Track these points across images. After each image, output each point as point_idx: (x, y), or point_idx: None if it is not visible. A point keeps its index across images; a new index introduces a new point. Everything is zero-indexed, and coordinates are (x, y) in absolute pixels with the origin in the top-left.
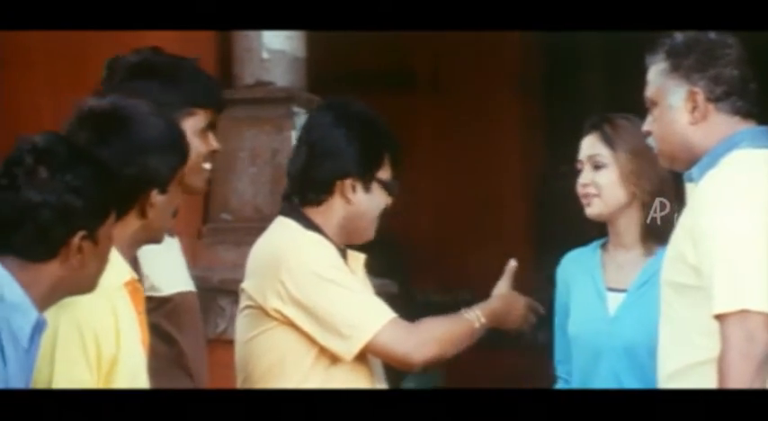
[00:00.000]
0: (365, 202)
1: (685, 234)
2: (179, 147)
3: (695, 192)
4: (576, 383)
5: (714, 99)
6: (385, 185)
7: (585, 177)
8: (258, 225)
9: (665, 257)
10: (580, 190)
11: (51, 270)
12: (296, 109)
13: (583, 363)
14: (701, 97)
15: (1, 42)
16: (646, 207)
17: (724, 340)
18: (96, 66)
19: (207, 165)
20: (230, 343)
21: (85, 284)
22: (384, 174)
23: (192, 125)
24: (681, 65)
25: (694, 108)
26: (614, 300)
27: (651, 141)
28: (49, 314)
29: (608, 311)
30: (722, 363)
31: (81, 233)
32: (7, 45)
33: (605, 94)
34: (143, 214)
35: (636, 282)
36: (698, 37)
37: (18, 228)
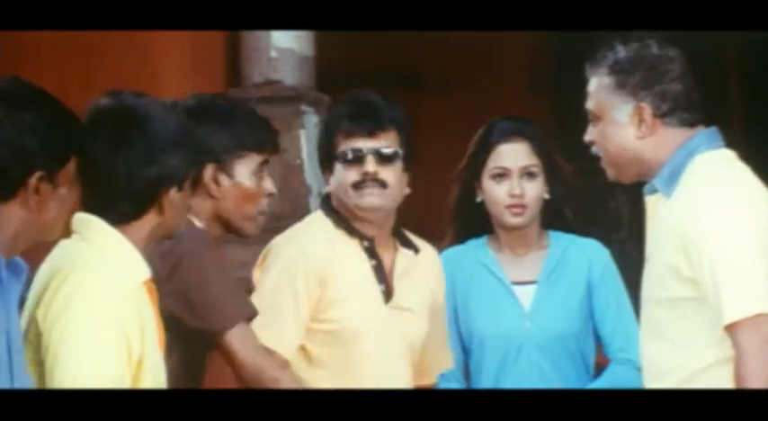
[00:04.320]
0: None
1: (673, 246)
2: (195, 144)
3: (671, 203)
4: (488, 379)
5: (660, 114)
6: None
7: (519, 187)
8: (267, 224)
9: (647, 276)
10: (509, 200)
11: (12, 212)
12: (304, 107)
13: (497, 360)
14: (647, 113)
15: (11, 42)
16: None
17: (739, 349)
18: (106, 65)
19: (263, 210)
20: None
21: (48, 230)
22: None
23: (244, 167)
24: (627, 82)
25: (641, 122)
26: (524, 294)
27: (595, 151)
28: (79, 312)
29: (521, 305)
30: (740, 371)
31: (38, 174)
32: (18, 45)
33: None
34: (161, 212)
35: (543, 272)
36: (641, 53)
37: None
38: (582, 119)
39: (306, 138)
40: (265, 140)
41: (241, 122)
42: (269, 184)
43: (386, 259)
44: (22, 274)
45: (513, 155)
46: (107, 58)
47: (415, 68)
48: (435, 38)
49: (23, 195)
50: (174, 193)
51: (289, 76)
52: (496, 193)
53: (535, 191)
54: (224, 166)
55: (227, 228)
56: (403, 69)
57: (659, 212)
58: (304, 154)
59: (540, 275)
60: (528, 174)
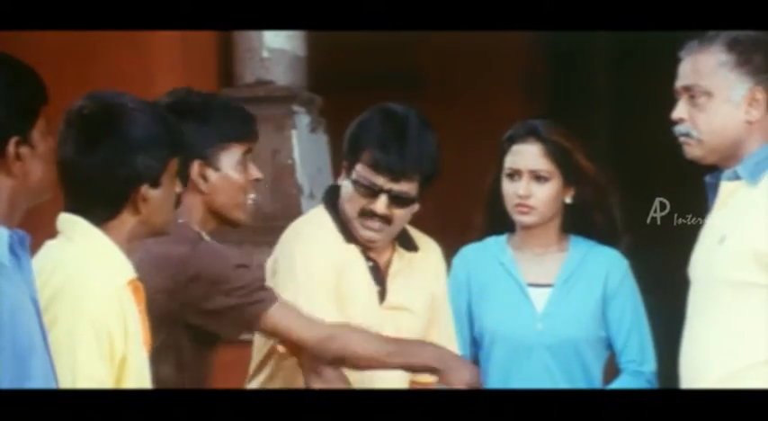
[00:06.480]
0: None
1: (762, 233)
2: (167, 139)
3: (759, 192)
4: (496, 377)
5: None
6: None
7: (526, 189)
8: (259, 224)
9: (716, 257)
10: (516, 200)
11: (1, 183)
12: (296, 108)
13: (507, 359)
14: (763, 96)
15: (5, 42)
16: (569, 210)
17: None
18: (100, 65)
19: (251, 196)
20: (233, 343)
21: (40, 191)
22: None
23: (228, 159)
24: (750, 60)
25: (752, 104)
26: (538, 296)
27: (682, 128)
28: (63, 312)
29: (534, 307)
30: None
31: (14, 140)
32: (12, 44)
33: (610, 96)
34: (136, 210)
35: (560, 276)
36: (759, 35)
37: None
38: (576, 121)
39: (297, 138)
40: (245, 130)
41: (219, 116)
42: (254, 171)
43: (382, 259)
44: (27, 243)
45: (524, 156)
46: (100, 57)
47: (409, 69)
48: (429, 38)
49: (5, 165)
50: (147, 191)
51: (281, 76)
52: (507, 192)
53: (545, 194)
54: (209, 162)
55: (221, 219)
56: (396, 70)
57: (740, 198)
58: (296, 154)
59: (556, 279)
60: (538, 176)
